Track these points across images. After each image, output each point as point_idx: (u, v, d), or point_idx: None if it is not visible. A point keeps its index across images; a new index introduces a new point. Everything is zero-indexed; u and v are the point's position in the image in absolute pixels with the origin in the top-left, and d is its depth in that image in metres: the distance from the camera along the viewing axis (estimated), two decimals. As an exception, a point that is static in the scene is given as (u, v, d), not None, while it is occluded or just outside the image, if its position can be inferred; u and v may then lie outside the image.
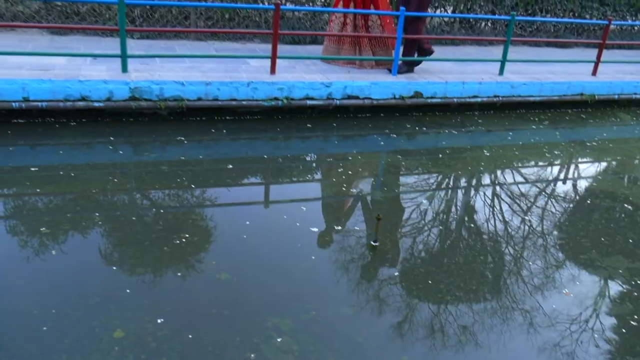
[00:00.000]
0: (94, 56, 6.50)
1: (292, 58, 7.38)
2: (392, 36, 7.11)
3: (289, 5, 8.71)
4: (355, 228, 4.36)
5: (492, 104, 7.60)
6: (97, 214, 4.22)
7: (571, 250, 4.34)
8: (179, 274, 3.58)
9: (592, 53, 8.83)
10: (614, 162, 6.46)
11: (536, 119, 7.58)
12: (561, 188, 5.66)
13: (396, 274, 3.82)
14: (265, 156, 5.68)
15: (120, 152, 5.38)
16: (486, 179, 5.73)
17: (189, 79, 6.11)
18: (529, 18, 9.02)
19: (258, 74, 6.60)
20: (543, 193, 5.47)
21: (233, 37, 8.44)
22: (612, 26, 8.30)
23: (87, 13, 7.85)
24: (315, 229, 4.24)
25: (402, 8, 6.80)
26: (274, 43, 6.46)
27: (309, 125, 6.48)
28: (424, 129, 6.79)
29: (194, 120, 6.24)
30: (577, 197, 5.48)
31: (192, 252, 3.84)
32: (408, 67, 7.36)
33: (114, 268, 3.60)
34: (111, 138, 5.58)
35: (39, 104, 5.67)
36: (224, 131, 6.03)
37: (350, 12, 7.26)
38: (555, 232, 4.62)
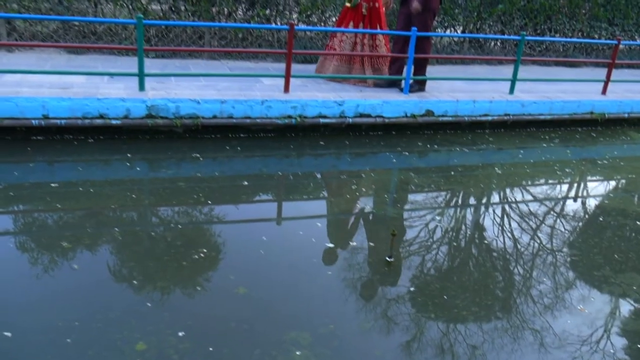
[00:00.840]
0: (112, 75, 6.63)
1: (306, 77, 7.49)
2: (404, 56, 7.20)
3: (302, 25, 8.84)
4: (371, 244, 4.41)
5: (502, 123, 7.67)
6: (116, 229, 4.30)
7: (585, 267, 4.37)
8: (198, 288, 3.64)
9: (601, 72, 8.90)
10: (625, 180, 6.50)
11: (547, 137, 7.64)
12: (573, 206, 5.70)
13: (412, 289, 3.86)
14: (280, 173, 5.76)
15: (138, 168, 5.48)
16: (498, 197, 5.78)
17: (205, 97, 6.22)
18: (538, 38, 9.13)
19: (272, 92, 6.71)
20: (555, 210, 5.50)
21: (246, 56, 8.58)
22: (620, 46, 8.41)
23: (104, 33, 8.01)
24: (331, 245, 4.30)
25: (413, 28, 6.90)
26: (287, 62, 6.57)
27: (321, 143, 6.57)
28: (436, 146, 6.86)
29: (208, 137, 6.33)
30: (589, 215, 5.51)
31: (210, 267, 3.90)
32: (419, 85, 7.45)
33: (135, 282, 3.66)
34: (128, 155, 5.68)
35: (58, 121, 5.78)
36: (239, 148, 6.12)
37: (361, 32, 7.37)
38: (568, 249, 4.66)
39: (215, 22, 8.37)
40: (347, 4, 7.36)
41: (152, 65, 7.51)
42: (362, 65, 7.61)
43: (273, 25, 8.78)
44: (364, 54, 7.44)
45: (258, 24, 8.54)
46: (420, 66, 7.37)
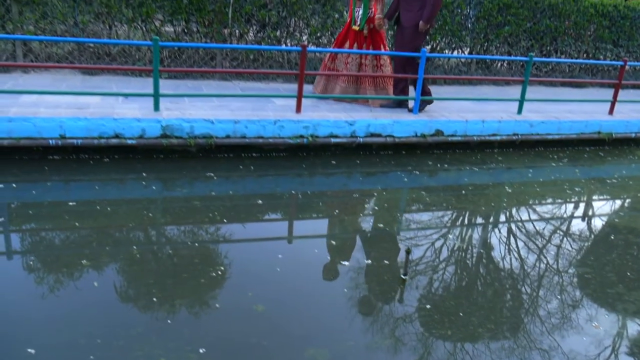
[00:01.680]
0: (127, 95, 6.75)
1: (319, 97, 7.60)
2: (414, 76, 7.29)
3: (312, 47, 8.97)
4: (385, 262, 4.46)
5: (511, 142, 7.74)
6: (134, 247, 4.36)
7: (598, 285, 4.41)
8: (217, 305, 3.69)
9: (607, 92, 8.99)
10: (634, 199, 6.54)
11: (555, 157, 7.70)
12: (584, 224, 5.74)
13: (428, 306, 3.90)
14: (293, 192, 5.84)
15: (153, 187, 5.56)
16: (510, 215, 5.83)
17: (218, 117, 6.32)
18: (546, 59, 9.24)
19: (284, 112, 6.81)
20: (566, 229, 5.55)
21: (257, 77, 8.70)
22: (619, 65, 8.54)
23: (118, 54, 8.15)
24: (346, 263, 4.35)
25: (423, 50, 7.01)
26: (300, 83, 6.68)
27: (333, 162, 6.64)
28: (446, 166, 6.93)
29: (221, 157, 6.42)
30: (600, 233, 5.55)
31: (229, 284, 3.95)
32: (398, 105, 7.53)
33: (154, 299, 3.71)
34: (143, 174, 5.76)
35: (75, 141, 5.88)
36: (252, 167, 6.20)
37: (369, 53, 7.48)
38: (580, 267, 4.69)
39: (228, 44, 8.51)
40: (355, 27, 7.46)
41: (165, 85, 7.63)
42: (367, 85, 7.67)
43: (284, 46, 8.91)
44: (370, 74, 7.53)
45: (269, 45, 8.68)
46: (414, 86, 7.44)
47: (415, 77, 7.13)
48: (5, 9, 7.56)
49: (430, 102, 7.59)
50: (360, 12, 7.36)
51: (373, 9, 7.34)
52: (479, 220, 5.68)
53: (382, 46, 7.59)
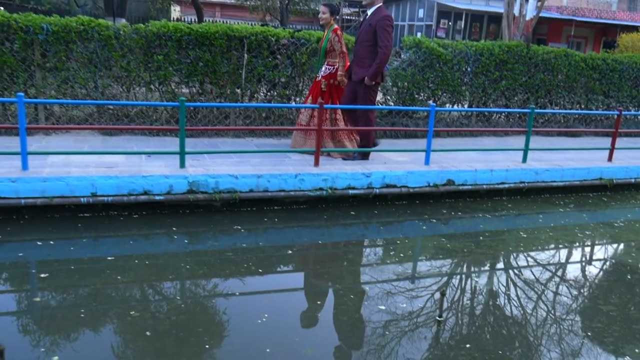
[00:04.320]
0: (152, 153, 7.01)
1: (332, 151, 7.89)
2: (412, 129, 7.62)
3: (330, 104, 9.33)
4: (419, 305, 4.63)
5: (518, 190, 8.04)
6: (178, 298, 4.51)
7: (623, 321, 4.60)
8: (267, 350, 3.82)
9: (601, 140, 9.38)
10: (643, 241, 6.82)
11: (561, 203, 8.00)
12: (601, 265, 5.98)
13: (467, 345, 4.06)
14: (320, 242, 6.04)
15: (185, 241, 5.73)
16: (530, 259, 6.04)
17: (242, 172, 6.57)
18: (548, 111, 9.65)
19: (303, 166, 7.08)
20: (585, 270, 5.78)
21: (269, 134, 9.02)
22: (615, 115, 8.98)
23: (136, 115, 8.45)
24: (383, 307, 4.52)
25: (432, 104, 7.39)
26: (318, 138, 7.00)
27: (352, 212, 6.87)
28: (459, 213, 7.18)
29: (245, 210, 6.63)
30: (618, 273, 5.78)
31: (276, 329, 4.09)
32: (362, 156, 7.74)
33: (207, 346, 3.84)
34: (173, 228, 5.95)
35: (105, 198, 6.08)
36: (276, 220, 6.41)
37: (382, 109, 7.84)
38: (605, 305, 4.89)
39: (246, 103, 8.86)
40: (317, 79, 7.79)
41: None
42: (326, 138, 7.75)
43: (304, 104, 9.24)
44: (381, 128, 7.83)
45: (279, 103, 9.04)
46: (364, 137, 7.74)
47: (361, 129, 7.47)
48: (29, 75, 7.88)
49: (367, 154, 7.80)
50: (322, 67, 7.68)
51: (336, 65, 7.61)
52: (501, 264, 5.90)
53: (339, 101, 7.74)
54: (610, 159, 8.96)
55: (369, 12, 7.41)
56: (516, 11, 12.52)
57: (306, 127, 7.66)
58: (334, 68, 7.62)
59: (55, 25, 7.70)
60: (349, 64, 7.64)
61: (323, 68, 7.68)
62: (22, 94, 5.99)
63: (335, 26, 7.62)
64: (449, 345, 4.07)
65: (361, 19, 7.54)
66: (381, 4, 7.37)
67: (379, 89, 8.22)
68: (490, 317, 4.58)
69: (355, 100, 7.48)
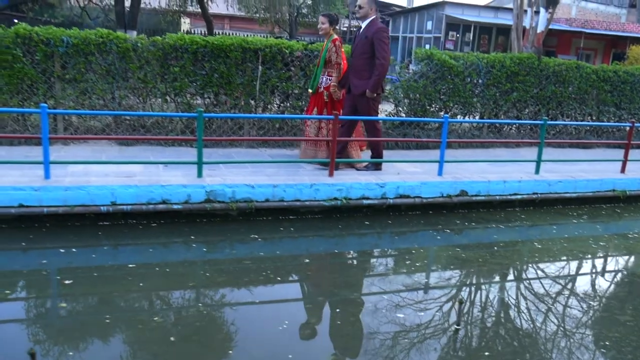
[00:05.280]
0: (169, 163, 7.11)
1: (345, 162, 7.97)
2: (425, 140, 7.70)
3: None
4: (437, 314, 4.68)
5: (531, 201, 8.08)
6: (200, 305, 4.59)
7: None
8: (289, 356, 3.88)
9: (613, 152, 9.41)
10: (657, 252, 6.85)
11: (575, 214, 8.03)
12: (616, 275, 6.02)
13: (487, 353, 4.10)
14: (336, 251, 6.11)
15: (204, 249, 5.82)
16: (545, 269, 6.07)
17: (258, 182, 6.66)
18: (560, 122, 9.71)
19: (317, 176, 7.16)
20: (599, 280, 5.81)
21: (282, 144, 9.12)
22: (628, 127, 9.03)
23: (152, 126, 8.57)
24: (402, 315, 4.57)
25: (445, 116, 7.46)
26: (332, 148, 7.09)
27: (366, 222, 6.94)
28: (473, 224, 7.23)
29: (260, 219, 6.70)
30: (632, 283, 5.82)
31: (297, 337, 4.15)
32: (376, 166, 7.79)
33: (230, 352, 3.90)
34: (191, 237, 6.03)
35: (124, 207, 6.17)
36: (292, 229, 6.48)
37: (400, 120, 7.91)
38: (620, 316, 4.91)
39: (262, 114, 8.98)
40: (310, 90, 7.91)
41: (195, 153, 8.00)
42: (322, 149, 7.87)
43: (319, 116, 9.33)
44: (381, 140, 7.91)
45: (292, 114, 9.15)
46: (375, 148, 7.81)
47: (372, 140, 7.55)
48: (49, 87, 8.02)
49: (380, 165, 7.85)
50: (321, 77, 7.74)
51: (328, 76, 7.68)
52: (517, 274, 5.94)
53: (341, 111, 7.79)
54: (623, 170, 9.00)
55: (363, 24, 7.48)
56: (526, 23, 12.63)
57: (320, 138, 7.75)
58: (327, 79, 7.71)
59: (75, 38, 7.86)
60: (343, 75, 7.68)
61: (324, 79, 7.74)
62: (45, 105, 6.11)
63: (335, 36, 7.68)
64: (468, 354, 4.12)
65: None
66: (375, 16, 7.44)
67: (381, 100, 8.26)
68: (509, 326, 4.63)
69: (355, 113, 7.57)
